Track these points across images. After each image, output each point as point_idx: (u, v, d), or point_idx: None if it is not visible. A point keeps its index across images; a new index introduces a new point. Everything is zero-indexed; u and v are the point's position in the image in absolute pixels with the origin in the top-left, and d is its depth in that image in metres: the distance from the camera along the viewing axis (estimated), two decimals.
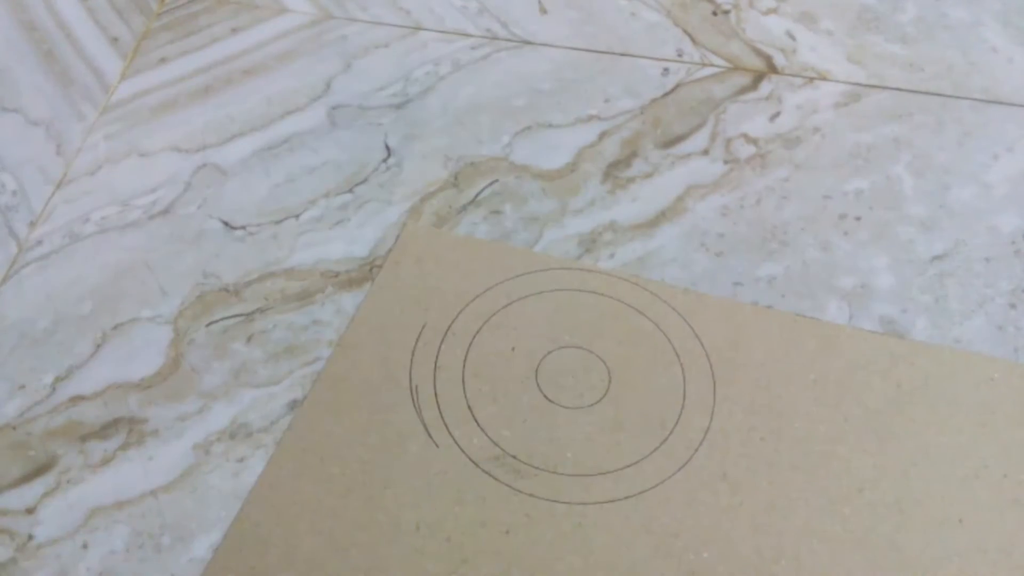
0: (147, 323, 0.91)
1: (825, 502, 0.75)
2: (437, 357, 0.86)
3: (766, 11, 1.12)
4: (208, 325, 0.90)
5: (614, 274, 0.90)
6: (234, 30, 1.16)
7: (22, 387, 0.87)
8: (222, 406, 0.85)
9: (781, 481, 0.76)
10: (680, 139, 1.01)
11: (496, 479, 0.78)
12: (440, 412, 0.82)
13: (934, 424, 0.79)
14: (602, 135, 1.02)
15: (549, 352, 0.85)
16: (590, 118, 1.03)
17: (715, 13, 1.12)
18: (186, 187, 1.00)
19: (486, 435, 0.81)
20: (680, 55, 1.08)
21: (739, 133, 1.00)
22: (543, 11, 1.14)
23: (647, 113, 1.03)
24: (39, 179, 1.00)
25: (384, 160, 1.01)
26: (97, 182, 1.01)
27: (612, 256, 0.91)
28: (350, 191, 0.99)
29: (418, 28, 1.14)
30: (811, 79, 1.05)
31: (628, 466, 0.79)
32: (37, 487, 0.82)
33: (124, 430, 0.84)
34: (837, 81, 1.04)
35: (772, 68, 1.06)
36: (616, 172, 0.98)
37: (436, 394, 0.83)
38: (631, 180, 0.97)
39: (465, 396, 0.83)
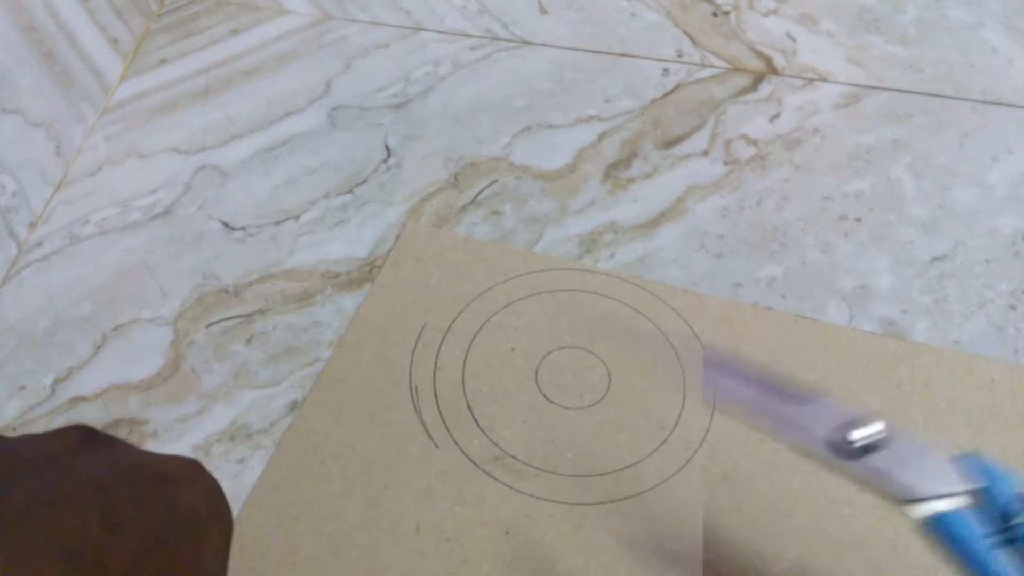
0: (147, 324, 0.91)
1: (826, 503, 0.75)
2: (437, 358, 0.86)
3: (766, 12, 1.12)
4: (208, 326, 0.90)
5: (614, 275, 0.90)
6: (234, 31, 1.16)
7: (22, 388, 0.87)
8: (222, 407, 0.85)
9: (781, 482, 0.76)
10: (680, 140, 1.01)
11: (496, 479, 0.78)
12: (440, 413, 0.82)
13: (935, 425, 0.79)
14: (602, 135, 1.02)
15: (549, 352, 0.85)
16: (590, 118, 1.03)
17: (715, 14, 1.12)
18: (186, 188, 1.00)
19: (486, 436, 0.81)
20: (680, 56, 1.08)
21: (739, 134, 1.01)
22: (543, 11, 1.14)
23: (647, 114, 1.03)
24: (39, 180, 1.00)
25: (384, 161, 1.01)
26: (97, 183, 1.01)
27: (612, 256, 0.91)
28: (350, 192, 0.99)
29: (418, 28, 1.14)
30: (811, 80, 1.05)
31: (628, 467, 0.79)
32: None
33: (124, 431, 0.84)
34: (837, 82, 1.04)
35: (772, 69, 1.06)
36: (616, 172, 0.98)
37: (436, 395, 0.83)
38: (631, 181, 0.97)
39: (465, 397, 0.83)
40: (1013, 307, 0.86)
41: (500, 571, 0.74)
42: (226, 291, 0.92)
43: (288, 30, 1.16)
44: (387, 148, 1.02)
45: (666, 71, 1.07)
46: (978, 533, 0.48)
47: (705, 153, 0.99)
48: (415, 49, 1.12)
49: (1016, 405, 0.79)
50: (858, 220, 0.93)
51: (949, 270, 0.89)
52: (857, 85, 1.04)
